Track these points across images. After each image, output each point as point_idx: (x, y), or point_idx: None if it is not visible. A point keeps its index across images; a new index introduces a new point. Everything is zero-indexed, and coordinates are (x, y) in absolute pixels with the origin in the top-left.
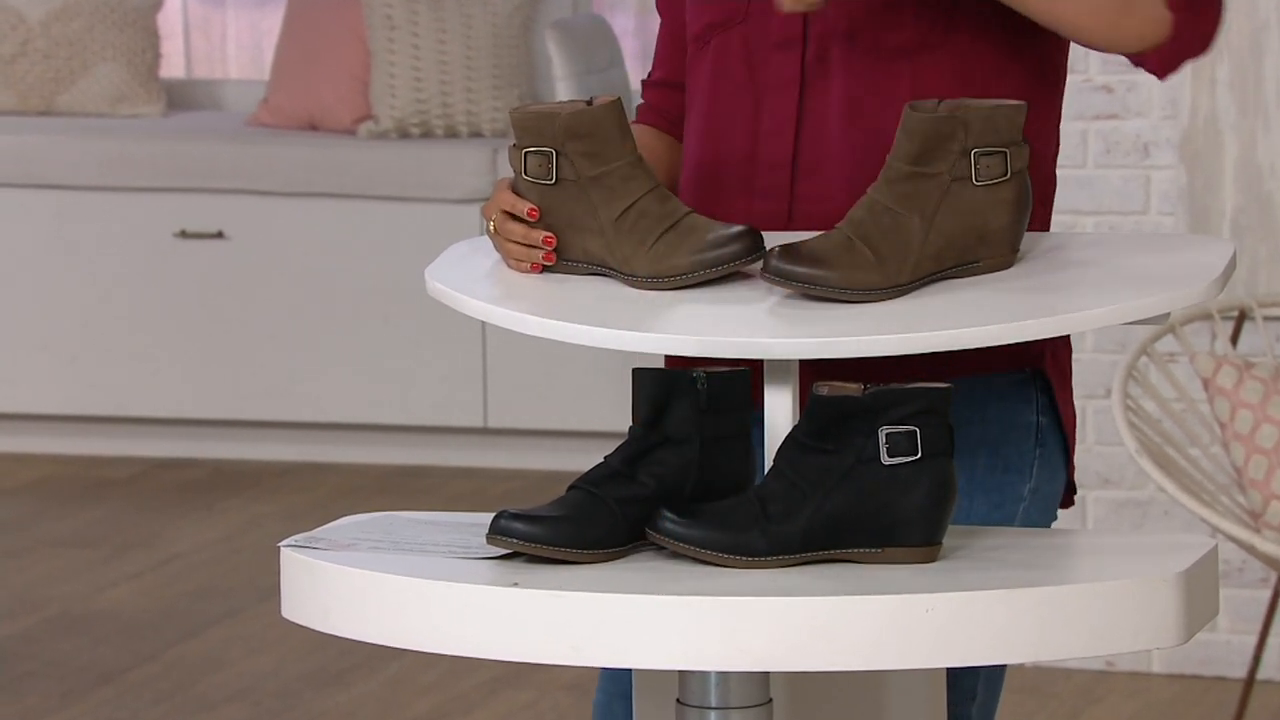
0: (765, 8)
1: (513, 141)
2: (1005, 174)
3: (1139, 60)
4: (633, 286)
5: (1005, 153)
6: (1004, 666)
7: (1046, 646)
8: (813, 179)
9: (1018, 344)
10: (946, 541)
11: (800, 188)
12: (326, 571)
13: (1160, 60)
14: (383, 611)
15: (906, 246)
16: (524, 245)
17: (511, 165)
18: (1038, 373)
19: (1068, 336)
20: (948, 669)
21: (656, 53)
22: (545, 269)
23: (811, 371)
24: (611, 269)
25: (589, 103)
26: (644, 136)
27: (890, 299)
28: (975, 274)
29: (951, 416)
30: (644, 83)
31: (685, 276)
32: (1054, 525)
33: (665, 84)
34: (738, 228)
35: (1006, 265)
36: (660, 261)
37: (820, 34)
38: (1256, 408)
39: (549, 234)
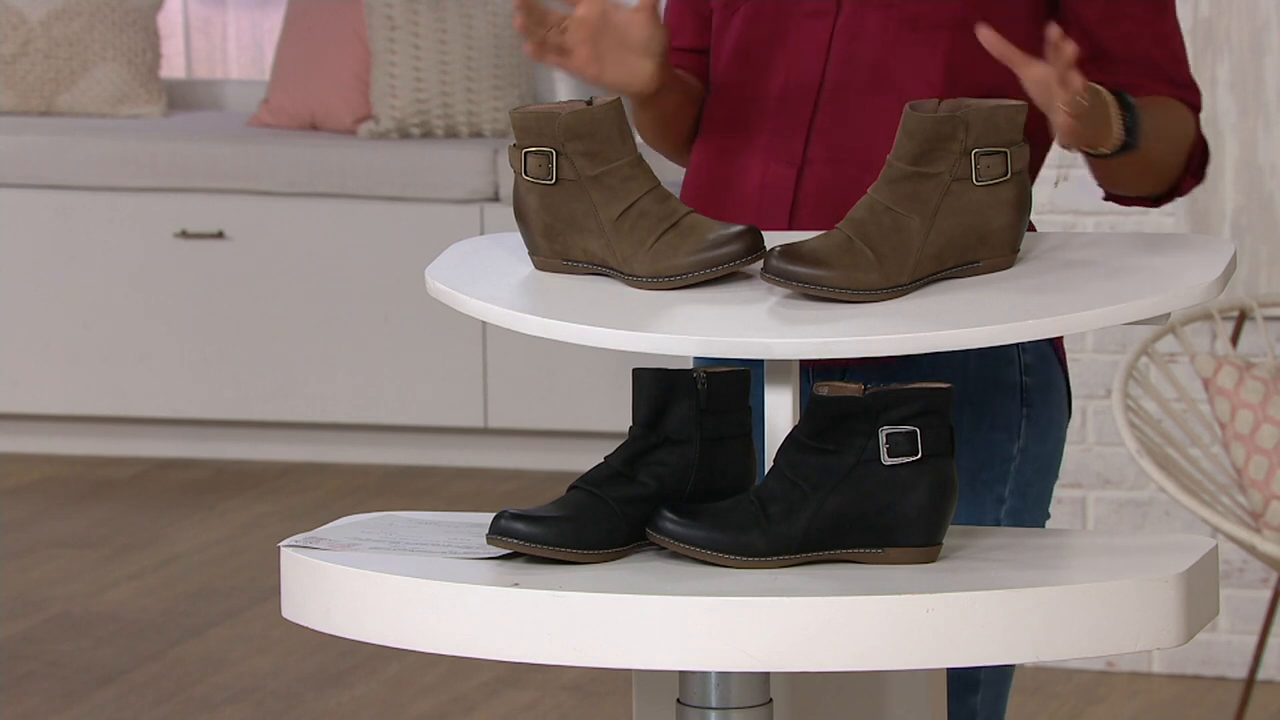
0: None
1: (513, 141)
2: (1005, 174)
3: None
4: (633, 286)
5: (1006, 153)
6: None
7: (1047, 646)
8: (825, 143)
9: None
10: (946, 541)
11: (813, 151)
12: (327, 572)
13: (1183, 188)
14: (383, 611)
15: (907, 246)
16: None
17: (511, 165)
18: None
19: None
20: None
21: (673, 22)
22: (546, 269)
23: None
24: (612, 269)
25: (589, 103)
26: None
27: (890, 299)
28: (976, 274)
29: (951, 416)
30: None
31: (685, 276)
32: (1051, 524)
33: (683, 50)
34: (738, 228)
35: (1007, 265)
36: (660, 261)
37: (856, 4)
38: (1257, 408)
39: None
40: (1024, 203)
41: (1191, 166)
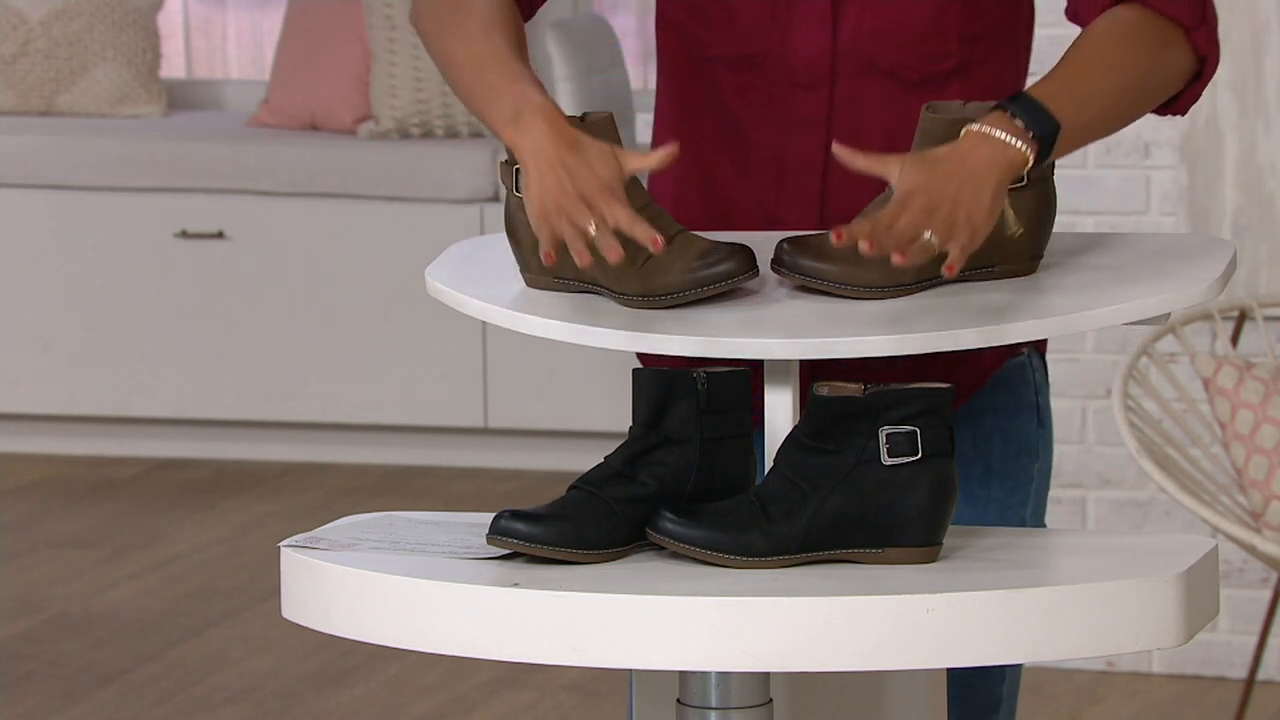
0: (785, 45)
1: (504, 157)
2: (1022, 181)
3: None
4: (624, 305)
5: None
6: (1020, 667)
7: (1046, 646)
8: (841, 219)
9: None
10: (946, 541)
11: (829, 217)
12: (327, 571)
13: (1189, 99)
14: (383, 611)
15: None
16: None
17: (503, 182)
18: (1033, 354)
19: None
20: (966, 682)
21: None
22: (537, 287)
23: (810, 371)
24: (603, 287)
25: (582, 118)
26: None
27: (891, 298)
28: (991, 279)
29: (950, 417)
30: None
31: (675, 295)
32: (1051, 523)
33: None
34: (730, 246)
35: (1027, 272)
36: (651, 280)
37: (854, 72)
38: (1257, 408)
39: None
40: (1045, 211)
41: (1187, 89)
